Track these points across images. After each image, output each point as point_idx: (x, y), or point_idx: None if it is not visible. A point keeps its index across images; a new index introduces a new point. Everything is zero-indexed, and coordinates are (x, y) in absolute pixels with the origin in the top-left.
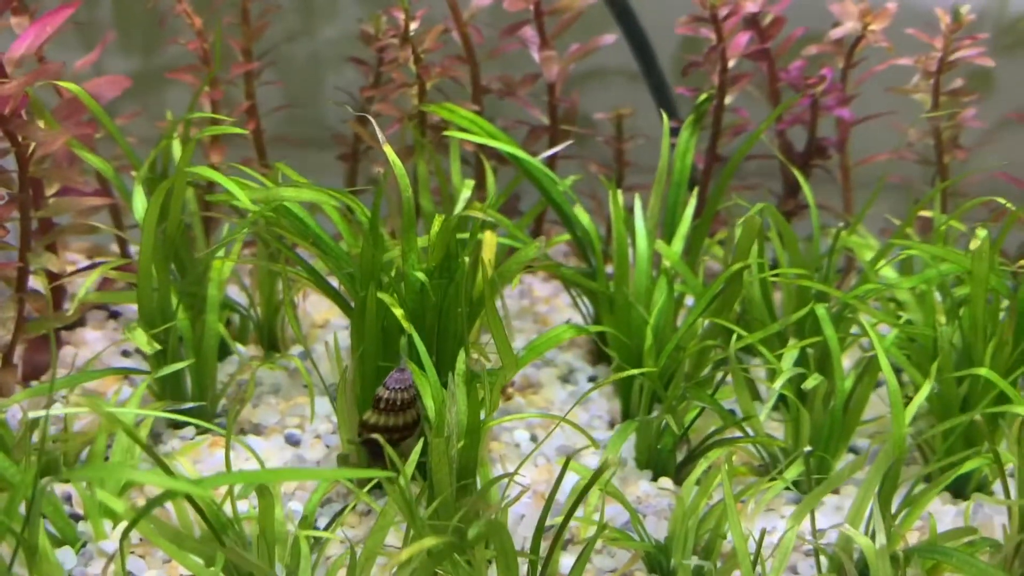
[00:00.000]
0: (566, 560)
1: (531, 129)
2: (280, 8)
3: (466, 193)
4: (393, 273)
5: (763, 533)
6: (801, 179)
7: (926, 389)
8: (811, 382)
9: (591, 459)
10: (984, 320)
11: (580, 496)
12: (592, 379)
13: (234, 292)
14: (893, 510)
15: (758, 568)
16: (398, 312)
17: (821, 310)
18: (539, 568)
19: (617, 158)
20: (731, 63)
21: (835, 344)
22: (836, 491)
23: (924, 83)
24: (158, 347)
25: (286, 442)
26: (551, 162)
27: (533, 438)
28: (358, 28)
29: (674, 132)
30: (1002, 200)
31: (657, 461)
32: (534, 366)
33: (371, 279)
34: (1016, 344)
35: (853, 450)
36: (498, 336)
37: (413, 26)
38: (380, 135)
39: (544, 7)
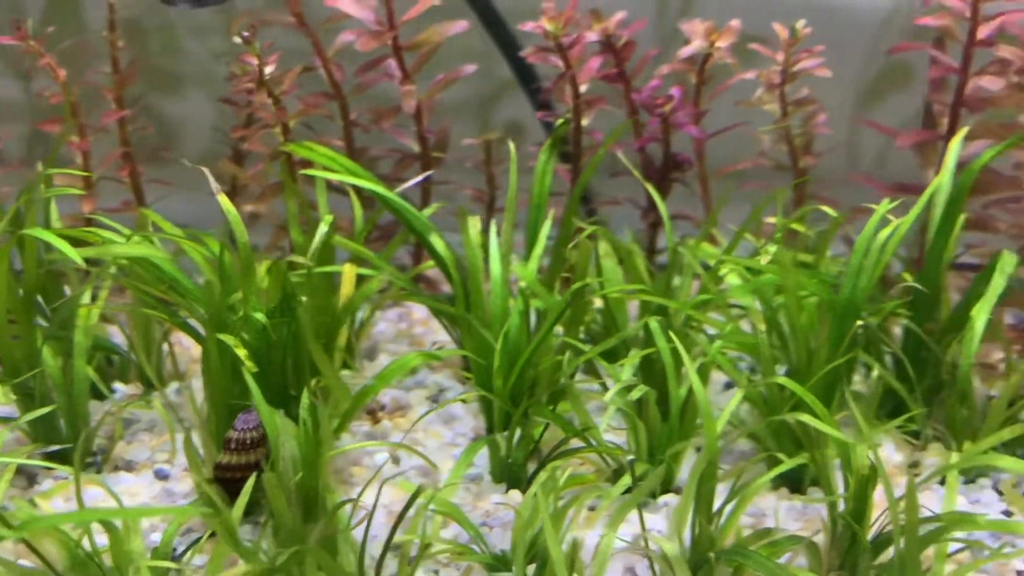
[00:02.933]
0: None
1: (400, 157)
2: (147, 57)
3: (324, 228)
4: (240, 315)
5: (575, 542)
6: (655, 194)
7: (737, 399)
8: (636, 392)
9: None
10: (801, 325)
11: (399, 514)
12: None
13: (118, 332)
14: (726, 509)
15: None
16: (241, 352)
17: (654, 323)
18: None
19: (488, 182)
20: (584, 87)
21: (666, 354)
22: (679, 492)
23: (768, 95)
24: (14, 397)
25: (155, 477)
26: (426, 189)
27: (395, 460)
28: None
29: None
30: (828, 209)
31: (510, 474)
32: (404, 388)
33: (215, 322)
34: (836, 346)
35: (700, 449)
36: (326, 370)
37: (269, 70)
38: (213, 184)
39: (403, 42)
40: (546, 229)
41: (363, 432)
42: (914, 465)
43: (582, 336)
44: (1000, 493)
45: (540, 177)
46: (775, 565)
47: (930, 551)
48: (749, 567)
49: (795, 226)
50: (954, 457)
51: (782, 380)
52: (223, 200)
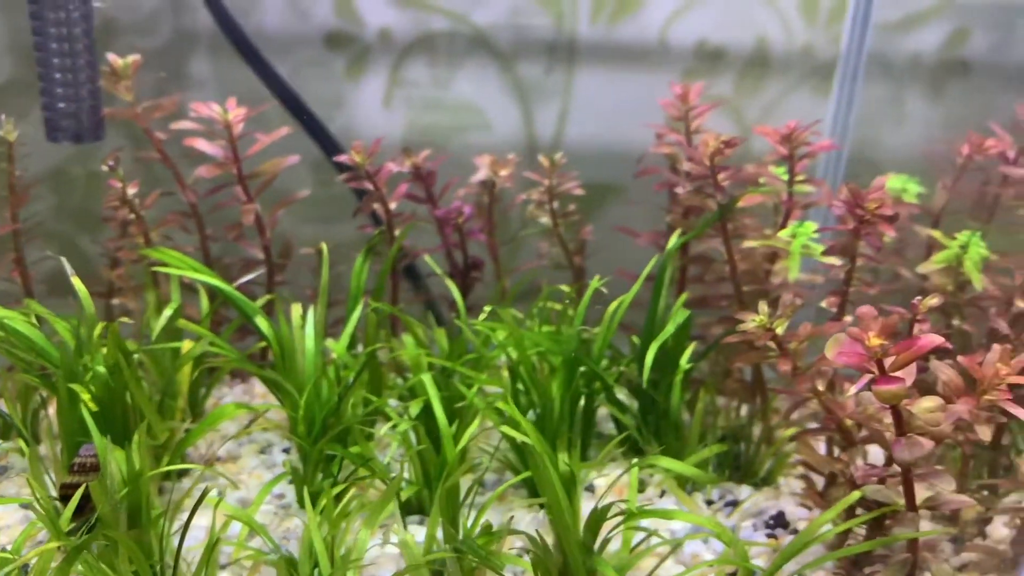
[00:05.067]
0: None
1: (245, 263)
2: (72, 200)
3: (168, 312)
4: (88, 370)
5: (332, 540)
6: (454, 289)
7: (474, 425)
8: (403, 425)
9: (267, 507)
10: (532, 374)
11: (190, 512)
12: (285, 451)
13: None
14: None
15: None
16: (85, 396)
17: (427, 377)
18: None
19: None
20: (394, 205)
21: (434, 398)
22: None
23: (538, 210)
24: None
25: (19, 507)
26: (270, 285)
27: (220, 494)
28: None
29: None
30: (565, 287)
31: (313, 501)
32: (238, 443)
33: (67, 376)
34: (567, 390)
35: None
36: (147, 409)
37: (132, 191)
38: (69, 268)
39: (245, 171)
40: (356, 315)
41: (197, 475)
42: (640, 483)
43: (392, 398)
44: (708, 503)
45: (356, 276)
46: (482, 550)
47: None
48: (467, 553)
49: (553, 305)
50: (635, 461)
51: (503, 405)
52: (76, 282)
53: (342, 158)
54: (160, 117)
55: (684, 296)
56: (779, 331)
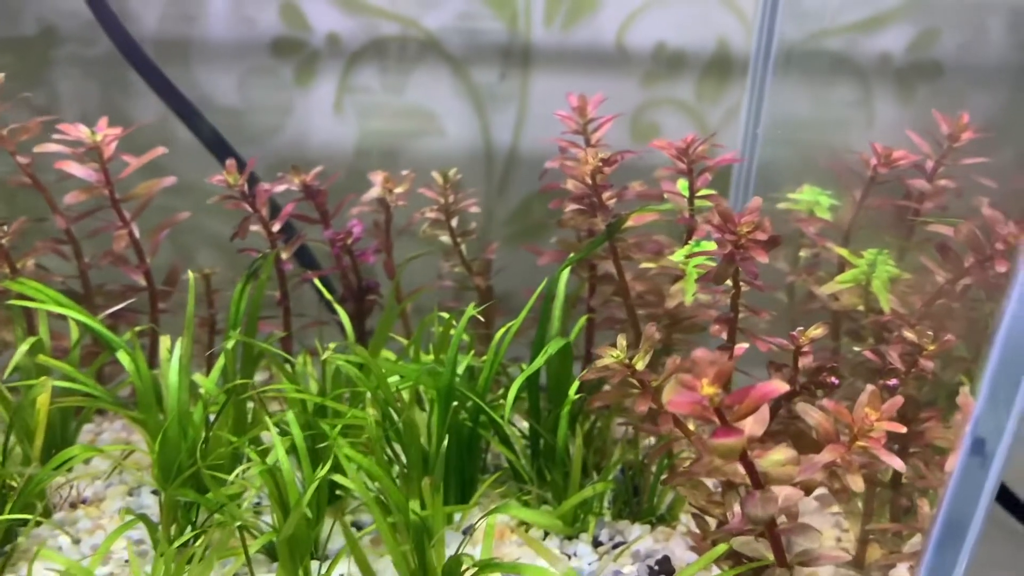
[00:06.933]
0: None
1: (124, 290)
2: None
3: (23, 348)
4: None
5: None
6: (342, 313)
7: (324, 470)
8: (255, 469)
9: (123, 554)
10: (395, 406)
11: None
12: (155, 492)
13: None
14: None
15: None
16: None
17: (290, 415)
18: None
19: (210, 306)
20: (277, 227)
21: (277, 444)
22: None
23: (431, 229)
24: None
25: None
26: (153, 314)
27: (76, 541)
28: None
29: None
30: (445, 315)
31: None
32: (107, 484)
33: None
34: (442, 423)
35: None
36: None
37: None
38: None
39: (120, 195)
40: (230, 344)
41: (58, 519)
42: (522, 523)
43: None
44: (597, 544)
45: (235, 303)
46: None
47: None
48: None
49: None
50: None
51: (351, 452)
52: None
53: (215, 179)
54: (28, 139)
55: (583, 320)
56: (639, 367)
